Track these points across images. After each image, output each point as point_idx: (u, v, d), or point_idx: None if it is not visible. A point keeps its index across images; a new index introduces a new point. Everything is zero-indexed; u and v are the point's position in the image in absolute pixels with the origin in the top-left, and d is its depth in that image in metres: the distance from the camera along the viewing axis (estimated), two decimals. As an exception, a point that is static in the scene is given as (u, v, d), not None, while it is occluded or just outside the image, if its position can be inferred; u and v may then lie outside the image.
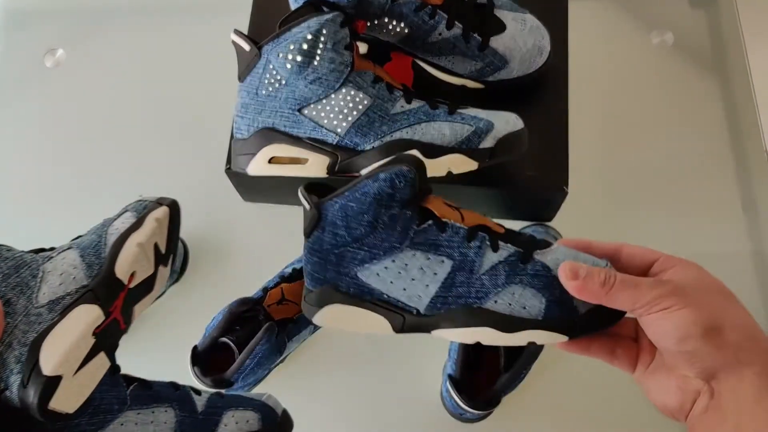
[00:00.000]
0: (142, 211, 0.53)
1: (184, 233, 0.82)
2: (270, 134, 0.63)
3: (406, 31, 0.66)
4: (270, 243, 0.82)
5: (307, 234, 0.47)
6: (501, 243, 0.47)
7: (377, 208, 0.46)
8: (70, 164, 0.90)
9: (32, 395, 0.39)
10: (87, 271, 0.45)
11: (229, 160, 0.72)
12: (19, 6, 1.01)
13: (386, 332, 0.48)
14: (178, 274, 0.81)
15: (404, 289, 0.46)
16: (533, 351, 0.66)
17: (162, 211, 0.54)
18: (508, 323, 0.45)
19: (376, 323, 0.48)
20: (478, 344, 0.56)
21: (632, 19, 0.93)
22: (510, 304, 0.45)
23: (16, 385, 0.40)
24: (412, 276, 0.46)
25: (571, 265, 0.44)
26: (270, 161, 0.64)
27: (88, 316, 0.43)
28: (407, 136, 0.61)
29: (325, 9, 0.61)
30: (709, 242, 0.81)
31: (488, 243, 0.47)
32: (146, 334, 0.80)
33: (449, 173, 0.62)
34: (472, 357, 0.67)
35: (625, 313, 0.45)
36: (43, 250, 0.48)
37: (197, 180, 0.86)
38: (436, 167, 0.62)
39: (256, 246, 0.83)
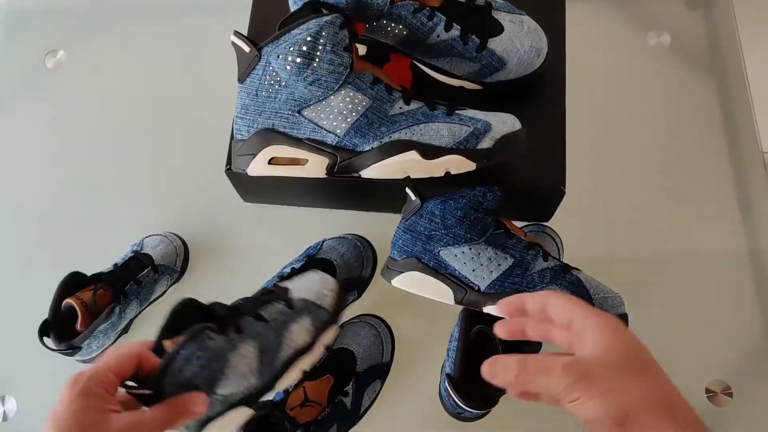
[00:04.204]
0: (319, 324, 0.58)
1: (184, 233, 0.83)
2: (270, 135, 0.63)
3: (405, 32, 0.66)
4: (269, 243, 0.83)
5: (405, 218, 0.64)
6: (549, 257, 0.64)
7: (468, 210, 0.62)
8: (70, 165, 0.90)
9: None
10: (258, 379, 0.53)
11: (229, 161, 0.72)
12: (20, 7, 1.02)
13: (448, 302, 0.64)
14: (178, 275, 0.81)
15: (473, 270, 0.62)
16: (531, 351, 0.66)
17: (332, 335, 0.61)
18: None
19: (443, 292, 0.63)
20: (477, 344, 0.62)
21: (629, 20, 0.94)
22: None
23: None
24: (482, 262, 0.62)
25: (489, 363, 0.45)
26: (270, 162, 0.64)
27: (242, 417, 0.54)
28: (406, 137, 0.61)
29: (324, 11, 0.61)
30: (705, 242, 0.82)
31: (541, 254, 0.64)
32: (146, 336, 0.80)
33: (447, 174, 0.62)
34: (470, 356, 0.67)
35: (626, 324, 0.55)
36: (259, 301, 0.57)
37: (197, 180, 0.86)
38: (434, 168, 0.62)
39: (256, 246, 0.84)
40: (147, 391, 0.47)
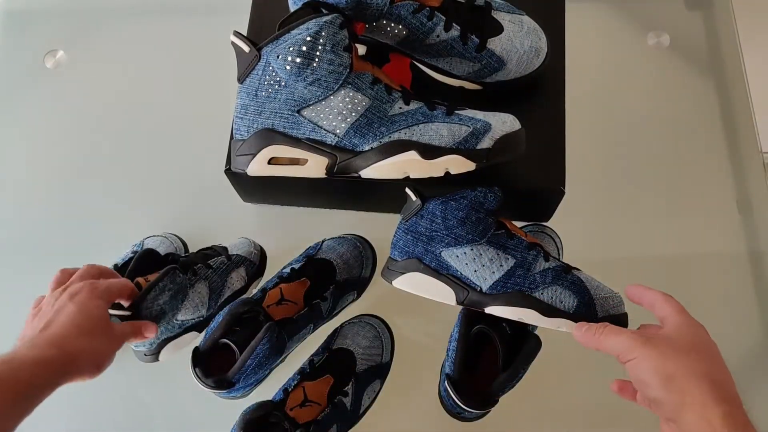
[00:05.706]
0: (251, 273, 0.77)
1: (183, 233, 0.83)
2: (269, 135, 0.63)
3: (405, 33, 0.66)
4: (268, 243, 0.83)
5: (406, 219, 0.64)
6: (550, 257, 0.63)
7: (470, 210, 0.62)
8: (69, 165, 0.91)
9: (142, 356, 0.70)
10: (206, 311, 0.71)
11: (228, 161, 0.73)
12: (20, 7, 1.02)
13: (449, 302, 0.64)
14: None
15: (475, 271, 0.62)
16: (531, 351, 0.66)
17: (258, 283, 0.77)
18: (548, 310, 0.61)
19: (445, 293, 0.64)
20: (476, 344, 0.63)
21: (629, 20, 0.94)
22: (552, 297, 0.61)
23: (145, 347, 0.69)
24: (483, 263, 0.62)
25: (580, 323, 0.58)
26: (269, 162, 0.64)
27: (195, 340, 0.71)
28: (405, 137, 0.62)
29: (324, 11, 0.61)
30: (704, 242, 0.82)
31: (542, 255, 0.63)
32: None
33: (447, 173, 0.62)
34: (470, 356, 0.67)
35: (626, 323, 0.61)
36: (205, 254, 0.75)
37: (197, 180, 0.86)
38: (433, 168, 0.62)
39: (256, 246, 0.84)
40: (127, 313, 0.64)
